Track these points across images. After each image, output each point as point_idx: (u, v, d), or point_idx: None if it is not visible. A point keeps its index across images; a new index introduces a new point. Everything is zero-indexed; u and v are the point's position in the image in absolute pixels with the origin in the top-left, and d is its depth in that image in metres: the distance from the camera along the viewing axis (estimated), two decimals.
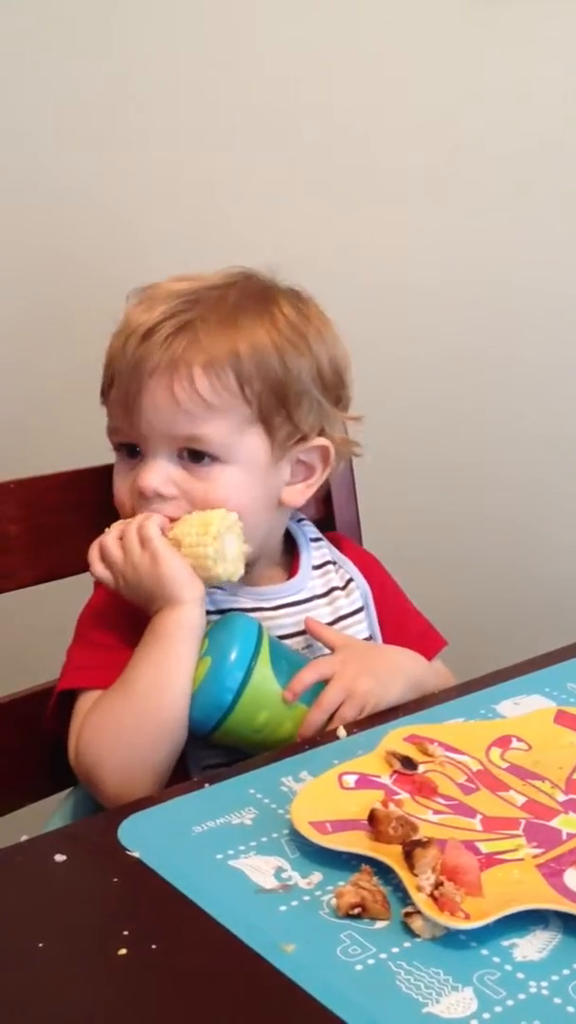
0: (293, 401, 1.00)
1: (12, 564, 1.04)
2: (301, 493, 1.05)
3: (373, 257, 1.53)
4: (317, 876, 0.71)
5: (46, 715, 1.00)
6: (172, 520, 0.98)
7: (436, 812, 0.77)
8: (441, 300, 1.55)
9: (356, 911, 0.67)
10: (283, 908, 0.68)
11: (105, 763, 0.92)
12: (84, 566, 1.01)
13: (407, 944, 0.65)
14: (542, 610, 1.58)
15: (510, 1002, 0.60)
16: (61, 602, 1.06)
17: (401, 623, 1.11)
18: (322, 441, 1.04)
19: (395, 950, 0.64)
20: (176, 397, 0.96)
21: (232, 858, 0.73)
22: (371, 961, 0.63)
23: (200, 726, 0.94)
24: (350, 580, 1.10)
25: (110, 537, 0.97)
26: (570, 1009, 0.60)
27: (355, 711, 0.93)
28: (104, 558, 0.97)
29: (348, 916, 0.67)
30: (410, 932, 0.66)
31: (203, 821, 0.76)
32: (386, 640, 1.09)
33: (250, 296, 1.01)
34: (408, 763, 0.82)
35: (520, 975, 0.62)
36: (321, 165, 1.50)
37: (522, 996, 0.61)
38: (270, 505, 1.03)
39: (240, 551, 0.97)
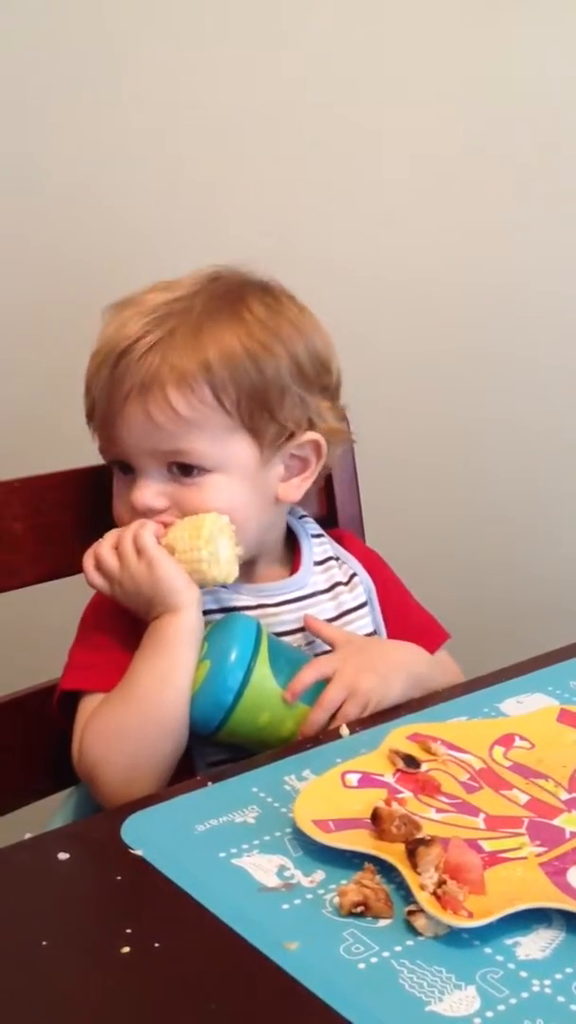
0: (274, 401, 0.99)
1: (17, 562, 1.04)
2: (297, 488, 1.05)
3: (376, 255, 1.53)
4: (320, 874, 0.71)
5: (51, 713, 1.00)
6: (167, 526, 0.98)
7: (439, 811, 0.77)
8: (445, 298, 1.55)
9: (359, 909, 0.67)
10: (286, 906, 0.68)
11: (107, 766, 0.92)
12: None
13: (410, 942, 0.65)
14: (546, 609, 1.58)
15: (513, 1000, 0.60)
16: (65, 600, 1.06)
17: (404, 617, 1.11)
18: (312, 435, 1.03)
19: (398, 948, 0.64)
20: (153, 418, 0.96)
21: (235, 856, 0.73)
22: (374, 959, 0.63)
23: (202, 727, 0.94)
24: (353, 575, 1.10)
25: (105, 547, 0.97)
26: (573, 1007, 0.60)
27: (357, 709, 0.93)
28: (99, 567, 0.97)
29: (351, 914, 0.67)
30: (413, 930, 0.66)
31: (206, 819, 0.77)
32: (390, 634, 1.09)
33: (218, 300, 1.00)
34: (411, 761, 0.82)
35: (523, 974, 0.62)
36: (321, 164, 1.51)
37: (525, 995, 0.61)
38: (266, 505, 1.03)
39: (233, 553, 0.97)
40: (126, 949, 0.64)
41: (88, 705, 0.97)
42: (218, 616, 1.00)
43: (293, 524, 1.10)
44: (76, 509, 1.07)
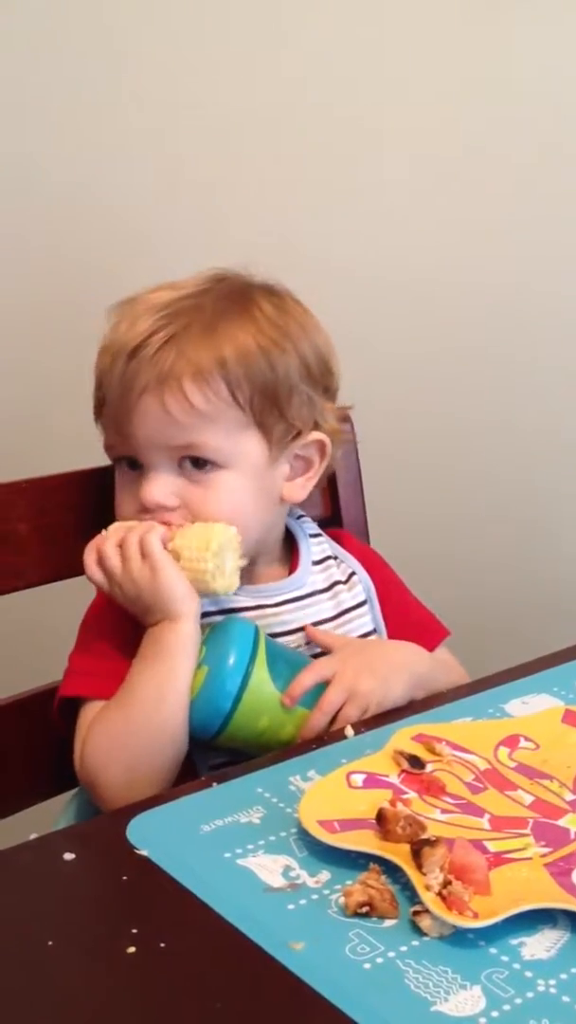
0: (284, 399, 1.00)
1: (22, 563, 1.04)
2: (302, 487, 1.05)
3: (376, 256, 1.53)
4: (325, 875, 0.71)
5: (52, 717, 1.00)
6: (173, 527, 0.98)
7: (444, 811, 0.77)
8: (445, 298, 1.55)
9: (364, 910, 0.67)
10: (291, 907, 0.68)
11: (107, 774, 0.93)
12: None
13: (415, 943, 0.65)
14: (550, 609, 1.59)
15: (518, 1000, 0.61)
16: (69, 602, 1.06)
17: (403, 615, 1.11)
18: (317, 435, 1.04)
19: (403, 948, 0.64)
20: (169, 411, 0.96)
21: (240, 857, 0.73)
22: (379, 960, 0.64)
23: (201, 733, 0.94)
24: (352, 574, 1.10)
25: (109, 544, 0.97)
26: None
27: (358, 711, 0.93)
28: (101, 563, 0.97)
29: (356, 915, 0.67)
30: (418, 931, 0.66)
31: (211, 820, 0.77)
32: (390, 632, 1.09)
33: (227, 299, 1.00)
34: (416, 762, 0.82)
35: (528, 974, 0.62)
36: (321, 165, 1.50)
37: (530, 994, 0.61)
38: (271, 504, 1.03)
39: (236, 565, 0.97)
40: (131, 949, 0.64)
41: (89, 712, 0.97)
42: (217, 618, 1.00)
43: (291, 524, 1.10)
44: (82, 511, 1.07)
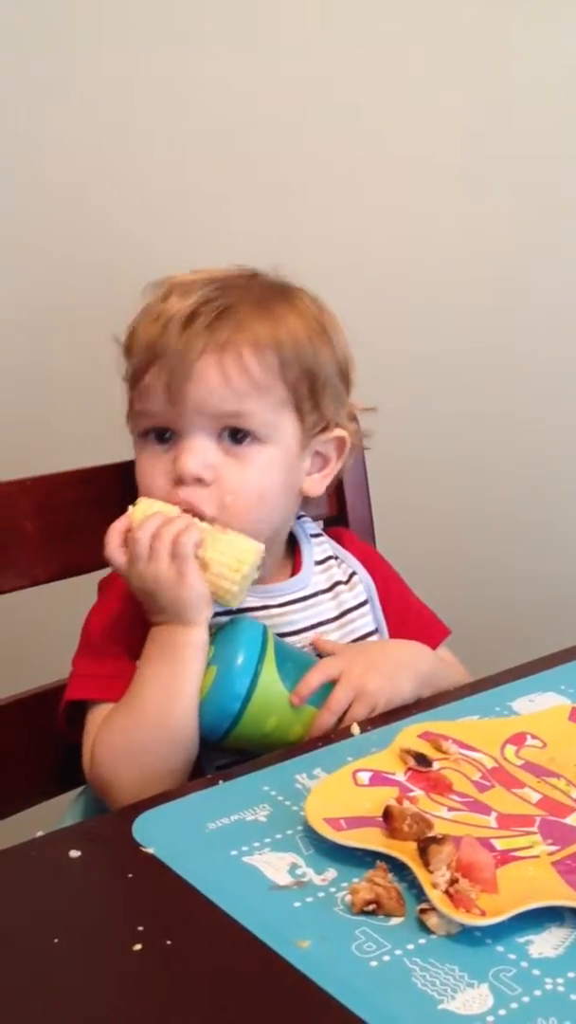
0: (320, 390, 1.02)
1: (28, 561, 1.04)
2: (319, 484, 1.06)
3: (377, 256, 1.53)
4: (332, 873, 0.71)
5: (57, 721, 1.00)
6: (204, 518, 0.97)
7: (451, 809, 0.77)
8: (447, 297, 1.55)
9: (371, 907, 0.67)
10: (298, 904, 0.68)
11: (118, 780, 0.92)
12: (99, 563, 1.01)
13: (422, 941, 0.65)
14: (557, 607, 1.58)
15: (526, 999, 0.60)
16: (73, 601, 1.05)
17: (404, 614, 1.11)
18: (340, 432, 1.05)
19: (410, 947, 0.64)
20: (227, 375, 0.96)
21: (246, 854, 0.73)
22: (386, 957, 0.63)
23: (210, 734, 0.94)
24: (353, 574, 1.10)
25: (145, 532, 0.94)
26: None
27: (365, 710, 0.93)
28: (127, 545, 0.95)
29: (363, 912, 0.67)
30: (425, 929, 0.66)
31: (217, 817, 0.77)
32: (391, 631, 1.09)
33: (272, 288, 1.03)
34: (422, 760, 0.82)
35: (536, 972, 0.62)
36: (322, 165, 1.50)
37: (538, 992, 0.61)
38: (294, 494, 1.04)
39: (252, 580, 0.97)
40: (138, 946, 0.64)
41: (97, 716, 0.97)
42: (223, 618, 1.00)
43: (292, 524, 1.10)
44: (87, 508, 1.07)
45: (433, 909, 0.66)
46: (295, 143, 1.50)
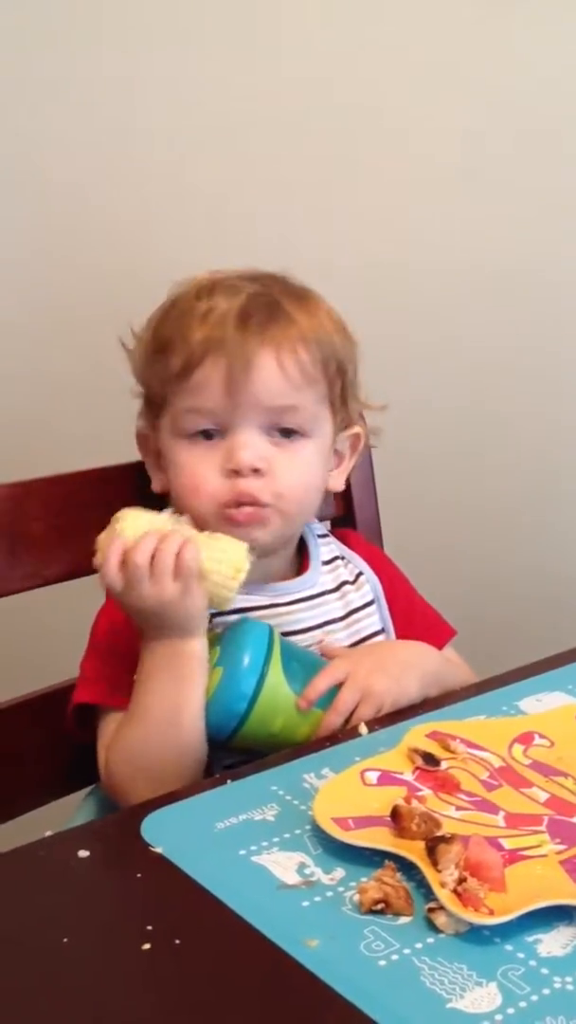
0: (347, 387, 1.04)
1: (36, 562, 1.04)
2: (338, 479, 1.09)
3: (383, 254, 1.53)
4: (340, 872, 0.71)
5: (65, 722, 1.01)
6: (263, 507, 0.98)
7: (459, 808, 0.77)
8: (450, 296, 1.55)
9: (379, 907, 0.67)
10: (306, 904, 0.68)
11: (135, 791, 0.91)
12: None
13: (431, 940, 0.65)
14: (564, 607, 1.58)
15: (534, 997, 0.60)
16: (80, 602, 1.06)
17: (410, 614, 1.11)
18: (356, 429, 1.07)
19: (419, 946, 0.64)
20: (284, 369, 0.98)
21: (255, 854, 0.73)
22: (395, 957, 0.63)
23: (216, 734, 0.94)
24: (360, 574, 1.10)
25: (141, 555, 0.91)
26: None
27: (372, 711, 0.93)
28: (124, 568, 0.91)
29: (371, 912, 0.67)
30: (434, 928, 0.66)
31: (226, 817, 0.77)
32: (397, 631, 1.09)
33: (297, 287, 1.04)
34: (430, 760, 0.82)
35: (544, 970, 0.62)
36: (325, 163, 1.50)
37: (546, 991, 0.61)
38: (323, 487, 1.06)
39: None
40: (147, 946, 0.64)
41: (110, 721, 0.97)
42: (231, 617, 1.00)
43: None
44: (96, 509, 1.06)
45: (441, 908, 0.66)
46: (295, 143, 1.49)
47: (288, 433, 1.00)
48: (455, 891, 0.66)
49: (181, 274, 1.05)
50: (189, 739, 0.93)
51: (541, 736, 0.87)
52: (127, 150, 1.50)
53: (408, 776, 0.80)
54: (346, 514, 1.21)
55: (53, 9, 1.45)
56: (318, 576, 1.07)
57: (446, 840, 0.69)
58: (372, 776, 0.80)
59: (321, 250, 1.47)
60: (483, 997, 0.60)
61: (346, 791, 0.78)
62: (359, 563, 1.11)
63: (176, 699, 0.93)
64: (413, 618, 1.11)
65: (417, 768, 0.81)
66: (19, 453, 1.41)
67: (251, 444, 0.98)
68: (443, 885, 0.67)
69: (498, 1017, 0.59)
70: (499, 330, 1.56)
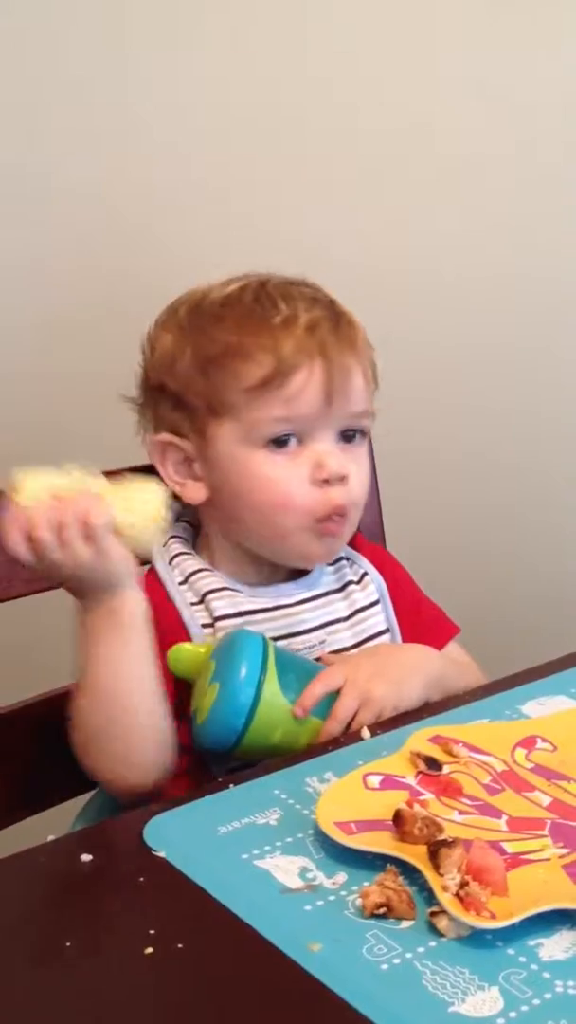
0: (376, 385, 1.06)
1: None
2: None
3: (388, 253, 1.53)
4: (342, 876, 0.71)
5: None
6: (348, 516, 1.01)
7: (461, 812, 0.77)
8: (450, 296, 1.55)
9: (382, 911, 0.67)
10: (308, 908, 0.68)
11: (101, 766, 0.92)
12: None
13: (433, 944, 0.65)
14: (567, 610, 1.58)
15: (536, 1001, 0.60)
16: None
17: (414, 613, 1.11)
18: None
19: (421, 949, 0.64)
20: (366, 375, 1.02)
21: (257, 858, 0.73)
22: (397, 960, 0.63)
23: (216, 750, 0.93)
24: (364, 574, 1.10)
25: (42, 526, 0.84)
26: None
27: (372, 716, 0.93)
28: (31, 543, 0.85)
29: (374, 916, 0.67)
30: (436, 932, 0.66)
31: (228, 821, 0.77)
32: (402, 630, 1.09)
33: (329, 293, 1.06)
34: (433, 764, 0.82)
35: (546, 975, 0.62)
36: (327, 163, 1.50)
37: (548, 995, 0.61)
38: None
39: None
40: (149, 950, 0.64)
41: None
42: (234, 620, 1.00)
43: None
44: None
45: (444, 912, 0.66)
46: (296, 143, 1.50)
47: (351, 437, 1.02)
48: (457, 895, 0.66)
49: (193, 277, 1.04)
50: (135, 707, 0.90)
51: (544, 740, 0.87)
52: (129, 151, 1.50)
53: (410, 780, 0.80)
54: None
55: (54, 9, 1.46)
56: (321, 576, 1.07)
57: (448, 844, 0.69)
58: (374, 780, 0.80)
59: (321, 250, 1.47)
60: (485, 1001, 0.60)
61: (348, 795, 0.78)
62: (364, 563, 1.11)
63: (115, 661, 0.90)
64: (417, 617, 1.11)
65: (419, 772, 0.81)
66: (23, 457, 1.41)
67: (336, 451, 1.00)
68: (445, 889, 0.67)
69: (500, 1021, 0.59)
70: (501, 329, 1.56)
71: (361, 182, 1.51)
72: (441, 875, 0.68)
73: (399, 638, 1.09)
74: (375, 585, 1.10)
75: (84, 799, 1.07)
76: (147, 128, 1.49)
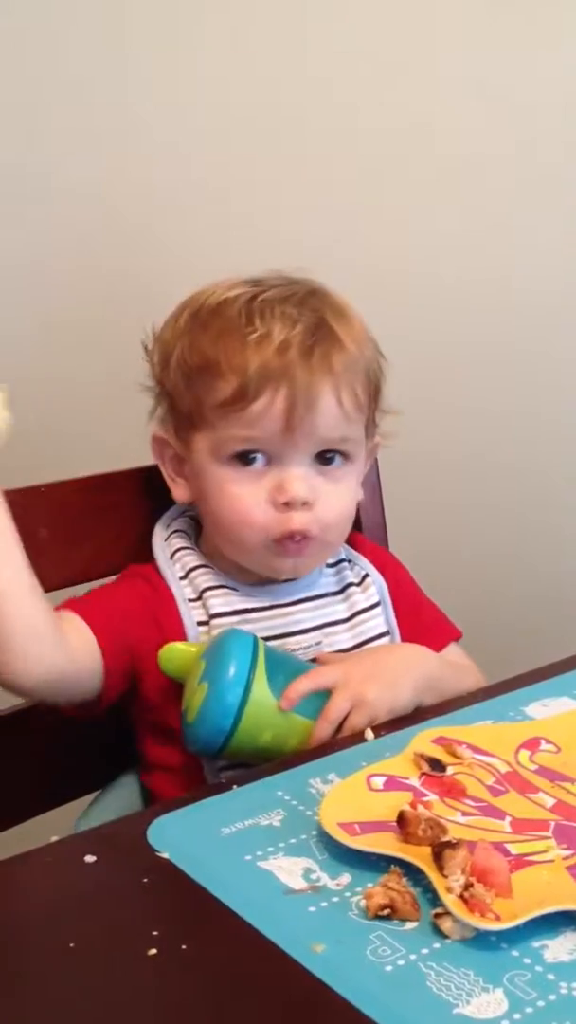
0: (380, 400, 1.04)
1: (42, 567, 1.04)
2: (360, 490, 1.08)
3: (388, 253, 1.53)
4: (346, 877, 0.71)
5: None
6: (313, 540, 0.99)
7: (465, 814, 0.77)
8: (455, 295, 1.55)
9: (386, 912, 0.67)
10: (312, 909, 0.68)
11: None
12: (112, 570, 1.02)
13: (437, 945, 0.65)
14: (571, 611, 1.58)
15: (541, 1003, 0.60)
16: None
17: (414, 615, 1.11)
18: (378, 438, 1.08)
19: (425, 951, 0.64)
20: (342, 403, 0.98)
21: (261, 859, 0.73)
22: (401, 962, 0.63)
23: (205, 751, 0.93)
24: (366, 576, 1.10)
25: None
26: None
27: (365, 720, 0.92)
28: None
29: (378, 917, 0.67)
30: (440, 933, 0.66)
31: (232, 822, 0.77)
32: (402, 631, 1.08)
33: (337, 303, 1.03)
34: (436, 765, 0.82)
35: (551, 976, 0.62)
36: (331, 163, 1.50)
37: (553, 997, 0.61)
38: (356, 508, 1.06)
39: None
40: (153, 951, 0.64)
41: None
42: (233, 619, 1.00)
43: None
44: (102, 514, 1.07)
45: (448, 913, 0.66)
46: (297, 143, 1.50)
47: (329, 460, 1.00)
48: (461, 896, 0.66)
49: (195, 279, 1.04)
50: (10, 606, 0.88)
51: (547, 741, 0.87)
52: (129, 151, 1.50)
53: (414, 781, 0.80)
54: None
55: (54, 9, 1.46)
56: (320, 577, 1.07)
57: (452, 845, 0.69)
58: (378, 781, 0.79)
59: (321, 250, 1.47)
60: (489, 1003, 0.60)
61: (352, 796, 0.77)
62: (365, 565, 1.11)
63: None
64: (417, 619, 1.11)
65: (423, 773, 0.81)
66: (25, 459, 1.41)
67: (303, 476, 0.98)
68: (449, 890, 0.67)
69: (504, 1023, 0.59)
70: (502, 329, 1.56)
71: (361, 182, 1.51)
72: (445, 876, 0.68)
73: (398, 641, 1.08)
74: (376, 587, 1.09)
75: (87, 800, 1.07)
76: (147, 128, 1.49)
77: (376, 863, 0.71)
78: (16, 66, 1.46)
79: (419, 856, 0.70)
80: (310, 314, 0.99)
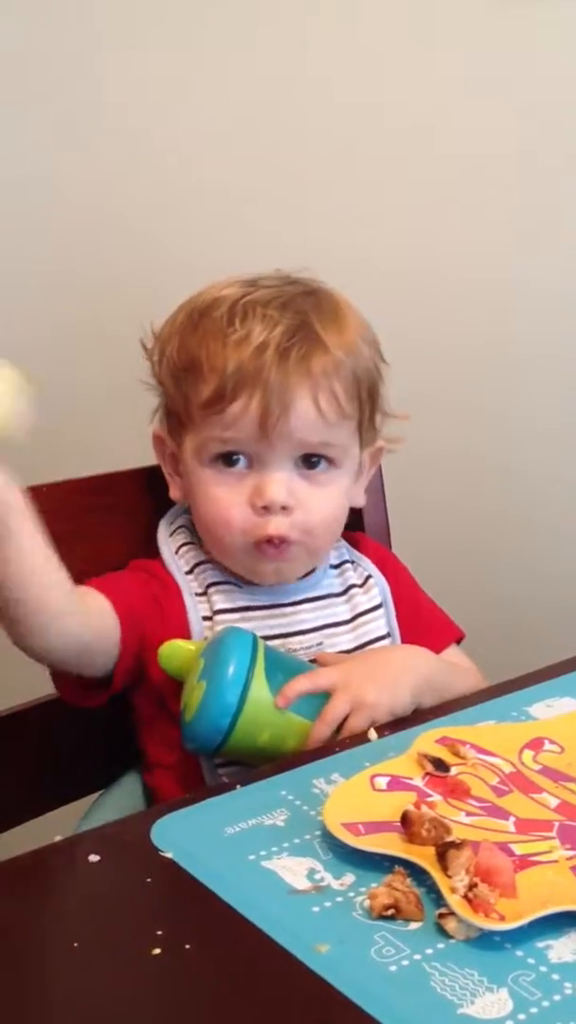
0: (377, 403, 1.03)
1: None
2: (359, 495, 1.08)
3: (388, 253, 1.53)
4: (350, 877, 0.71)
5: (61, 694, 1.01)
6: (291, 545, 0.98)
7: (469, 814, 0.77)
8: (456, 295, 1.55)
9: (390, 912, 0.67)
10: (316, 909, 0.68)
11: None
12: (115, 569, 1.01)
13: (441, 945, 0.65)
14: (574, 613, 1.58)
15: (545, 1003, 0.60)
16: None
17: (415, 616, 1.11)
18: (380, 442, 1.06)
19: (429, 951, 0.64)
20: (321, 408, 0.97)
21: (265, 859, 0.73)
22: (405, 962, 0.63)
23: (203, 749, 0.93)
24: (368, 577, 1.10)
25: None
26: None
27: (365, 722, 0.91)
28: None
29: (382, 917, 0.67)
30: (444, 933, 0.66)
31: (235, 822, 0.76)
32: (403, 632, 1.08)
33: (330, 304, 1.02)
34: (440, 765, 0.81)
35: (555, 976, 0.62)
36: (331, 163, 1.50)
37: (557, 997, 0.61)
38: (347, 512, 1.05)
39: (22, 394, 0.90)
40: (157, 951, 0.64)
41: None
42: (235, 616, 1.00)
43: None
44: (105, 513, 1.07)
45: (452, 914, 0.66)
46: (298, 143, 1.50)
47: (314, 463, 0.99)
48: (465, 896, 0.66)
49: (196, 282, 1.04)
50: (36, 593, 0.88)
51: (551, 742, 0.87)
52: (129, 152, 1.50)
53: (418, 782, 0.80)
54: (355, 518, 1.21)
55: (54, 10, 1.46)
56: (323, 578, 1.07)
57: (456, 846, 0.69)
58: (382, 781, 0.79)
59: (321, 251, 1.47)
60: (494, 1003, 0.60)
61: (356, 796, 0.77)
62: (368, 566, 1.11)
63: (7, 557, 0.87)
64: (418, 620, 1.11)
65: (427, 774, 0.81)
66: (27, 459, 1.41)
67: (281, 481, 0.97)
68: (453, 891, 0.67)
69: (509, 1023, 0.59)
70: (503, 329, 1.56)
71: (362, 182, 1.51)
72: (449, 877, 0.68)
73: (399, 642, 1.08)
74: (379, 588, 1.09)
75: (90, 800, 1.07)
76: (147, 128, 1.49)
77: (380, 863, 0.71)
78: (16, 66, 1.46)
79: (423, 856, 0.70)
80: (292, 316, 0.98)
